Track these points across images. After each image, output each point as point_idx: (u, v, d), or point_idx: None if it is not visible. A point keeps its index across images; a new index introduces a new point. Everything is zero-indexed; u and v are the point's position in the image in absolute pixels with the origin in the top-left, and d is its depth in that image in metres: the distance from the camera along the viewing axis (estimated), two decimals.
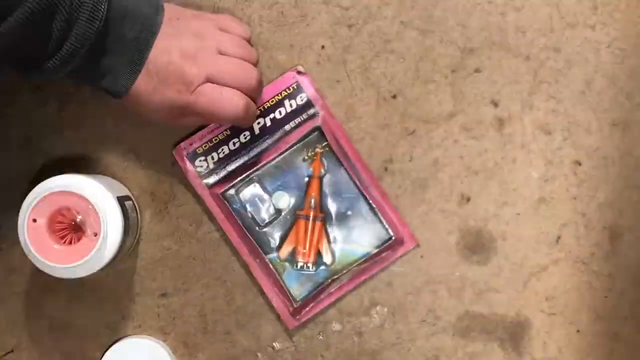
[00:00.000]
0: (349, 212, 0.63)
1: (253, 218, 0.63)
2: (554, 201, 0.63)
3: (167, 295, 0.64)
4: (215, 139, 0.62)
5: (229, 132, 0.62)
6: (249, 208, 0.63)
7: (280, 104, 0.62)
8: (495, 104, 0.63)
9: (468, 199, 0.63)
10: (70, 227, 0.56)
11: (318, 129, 0.63)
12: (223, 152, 0.63)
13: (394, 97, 0.63)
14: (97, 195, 0.56)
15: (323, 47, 0.63)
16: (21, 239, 0.55)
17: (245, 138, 0.63)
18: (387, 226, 0.63)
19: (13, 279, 0.64)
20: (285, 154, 0.63)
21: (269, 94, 0.62)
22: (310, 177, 0.63)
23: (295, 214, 0.63)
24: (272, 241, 0.63)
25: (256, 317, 0.64)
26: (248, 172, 0.63)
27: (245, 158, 0.63)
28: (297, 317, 0.62)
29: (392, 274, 0.63)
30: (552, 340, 0.64)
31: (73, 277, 0.56)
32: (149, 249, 0.63)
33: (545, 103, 0.63)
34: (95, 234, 0.55)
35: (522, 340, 0.64)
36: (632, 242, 0.63)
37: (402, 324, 0.64)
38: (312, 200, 0.63)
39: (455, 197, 0.63)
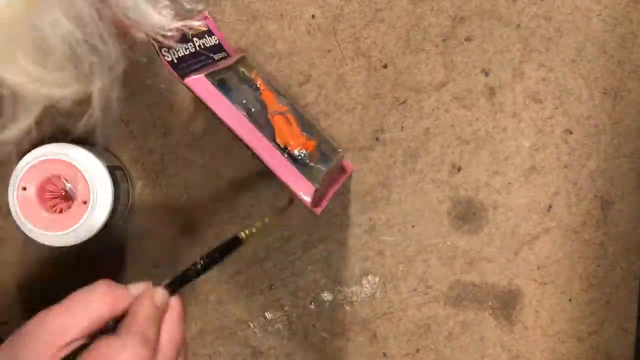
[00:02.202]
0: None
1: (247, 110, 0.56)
2: (545, 170, 0.63)
3: (160, 266, 0.64)
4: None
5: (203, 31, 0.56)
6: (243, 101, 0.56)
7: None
8: (486, 73, 0.63)
9: (459, 169, 0.63)
10: (60, 195, 0.56)
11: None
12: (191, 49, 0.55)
13: (385, 66, 0.63)
14: (86, 163, 0.56)
15: (313, 16, 0.63)
16: (11, 206, 0.55)
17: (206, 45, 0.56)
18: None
19: (4, 249, 0.64)
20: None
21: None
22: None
23: (271, 114, 0.56)
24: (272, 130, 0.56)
25: (248, 286, 0.64)
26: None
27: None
28: (320, 203, 0.56)
29: (383, 243, 0.64)
30: (543, 309, 0.64)
31: (63, 245, 0.56)
32: (141, 220, 0.64)
33: (536, 72, 0.63)
34: (85, 202, 0.55)
35: (514, 309, 0.64)
36: (623, 210, 0.63)
37: (393, 293, 0.64)
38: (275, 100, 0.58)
39: (446, 167, 0.63)
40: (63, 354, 0.42)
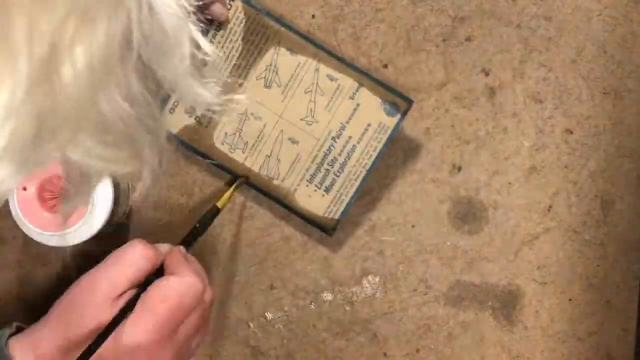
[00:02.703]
0: None
1: None
2: (545, 170, 0.63)
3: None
4: None
5: None
6: None
7: None
8: (486, 73, 0.63)
9: (459, 169, 0.63)
10: (61, 195, 0.56)
11: None
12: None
13: (385, 66, 0.63)
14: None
15: (313, 16, 0.63)
16: (11, 207, 0.56)
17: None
18: None
19: (4, 249, 0.64)
20: None
21: None
22: None
23: None
24: None
25: (248, 286, 0.64)
26: None
27: None
28: None
29: (383, 243, 0.64)
30: (544, 309, 0.64)
31: (63, 245, 0.56)
32: (140, 220, 0.64)
33: (536, 71, 0.63)
34: None
35: (514, 309, 0.64)
36: (624, 210, 0.63)
37: (393, 293, 0.64)
38: None
39: (446, 167, 0.63)
40: (121, 301, 0.50)
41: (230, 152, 0.61)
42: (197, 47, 0.34)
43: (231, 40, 0.60)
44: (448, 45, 0.63)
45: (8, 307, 0.64)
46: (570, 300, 0.64)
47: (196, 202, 0.63)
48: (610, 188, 0.63)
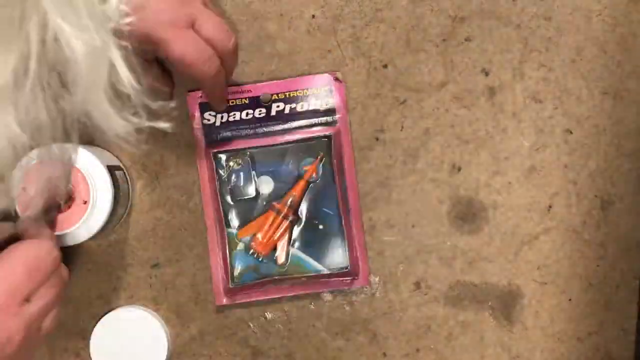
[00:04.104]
0: (320, 226, 0.63)
1: (232, 189, 0.62)
2: (545, 170, 0.63)
3: (159, 266, 0.64)
4: (232, 102, 0.62)
5: (247, 102, 0.62)
6: (232, 178, 0.63)
7: (305, 98, 0.62)
8: (486, 73, 0.63)
9: (459, 168, 0.63)
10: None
11: (329, 137, 0.63)
12: (233, 117, 0.62)
13: (385, 66, 0.63)
14: (86, 163, 0.56)
15: (313, 16, 0.63)
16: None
17: (259, 114, 0.62)
18: (348, 256, 0.63)
19: None
20: (288, 145, 0.63)
21: (299, 84, 0.62)
22: (299, 177, 0.63)
23: (270, 204, 0.62)
24: (238, 218, 0.63)
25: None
26: (247, 146, 0.63)
27: (250, 132, 0.63)
28: (228, 296, 0.63)
29: (383, 243, 0.64)
30: (543, 309, 0.64)
31: (63, 245, 0.56)
32: (141, 220, 0.64)
33: (536, 71, 0.63)
34: (85, 202, 0.55)
35: (514, 309, 0.64)
36: (624, 210, 0.63)
37: (393, 293, 0.64)
38: (291, 199, 0.62)
39: (446, 167, 0.63)
40: None
41: None
42: (118, 79, 0.33)
43: None
44: (448, 45, 0.63)
45: None
46: (570, 300, 0.64)
47: (196, 203, 0.63)
48: (610, 188, 0.63)
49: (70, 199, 0.56)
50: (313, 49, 0.63)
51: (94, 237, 0.58)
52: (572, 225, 0.63)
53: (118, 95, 0.34)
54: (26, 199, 0.55)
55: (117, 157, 0.63)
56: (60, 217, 0.56)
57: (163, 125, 0.41)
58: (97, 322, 0.62)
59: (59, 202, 0.55)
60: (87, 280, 0.64)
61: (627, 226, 0.63)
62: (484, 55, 0.63)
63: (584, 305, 0.64)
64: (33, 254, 0.46)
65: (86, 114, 0.34)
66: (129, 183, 0.63)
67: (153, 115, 0.38)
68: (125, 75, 0.33)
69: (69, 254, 0.62)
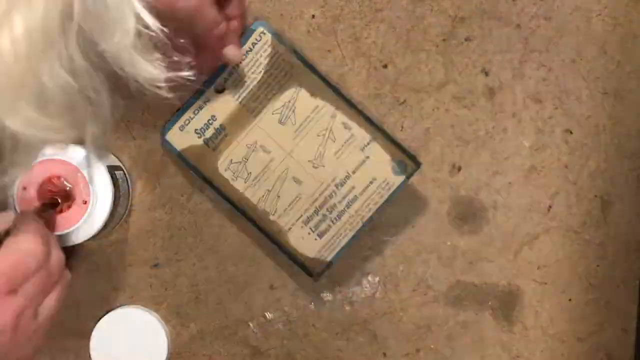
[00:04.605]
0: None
1: None
2: (545, 170, 0.63)
3: (159, 266, 0.64)
4: None
5: None
6: None
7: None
8: (486, 73, 0.63)
9: (459, 169, 0.63)
10: (60, 195, 0.56)
11: None
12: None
13: (385, 66, 0.63)
14: (86, 163, 0.56)
15: (313, 16, 0.63)
16: (11, 207, 0.56)
17: None
18: None
19: None
20: None
21: None
22: None
23: None
24: None
25: (248, 286, 0.64)
26: None
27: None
28: None
29: (383, 243, 0.63)
30: (543, 309, 0.64)
31: (63, 245, 0.56)
32: (141, 220, 0.64)
33: (536, 72, 0.63)
34: (85, 202, 0.55)
35: (514, 309, 0.64)
36: (623, 210, 0.63)
37: (393, 293, 0.64)
38: None
39: (446, 167, 0.63)
40: None
41: (232, 180, 0.61)
42: (143, 24, 0.34)
43: (254, 71, 0.60)
44: (448, 45, 0.63)
45: None
46: (570, 300, 0.64)
47: (196, 203, 0.63)
48: (610, 188, 0.63)
49: (70, 199, 0.56)
50: (313, 49, 0.63)
51: (94, 237, 0.58)
52: (572, 226, 0.63)
53: (144, 44, 0.36)
54: (26, 197, 0.55)
55: (117, 157, 0.63)
56: (60, 217, 0.56)
57: (186, 74, 0.42)
58: (97, 322, 0.62)
59: (56, 200, 0.55)
60: (87, 280, 0.64)
61: (627, 226, 0.63)
62: (484, 55, 0.63)
63: (584, 305, 0.64)
64: (21, 247, 0.47)
65: (115, 61, 0.35)
66: (129, 183, 0.63)
67: (175, 67, 0.39)
68: (150, 21, 0.34)
69: (69, 254, 0.62)
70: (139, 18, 0.34)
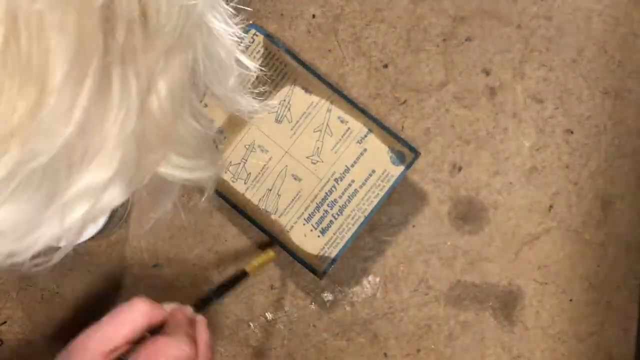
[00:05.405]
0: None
1: None
2: (545, 170, 0.63)
3: (159, 266, 0.64)
4: None
5: None
6: None
7: None
8: (487, 73, 0.63)
9: (460, 169, 0.63)
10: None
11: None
12: None
13: (385, 66, 0.63)
14: None
15: (314, 16, 0.63)
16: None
17: None
18: None
19: None
20: None
21: None
22: None
23: None
24: None
25: (248, 287, 0.64)
26: None
27: None
28: None
29: (383, 243, 0.63)
30: (544, 309, 0.64)
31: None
32: (141, 220, 0.63)
33: (536, 71, 0.63)
34: None
35: (515, 309, 0.64)
36: (624, 210, 0.63)
37: (394, 293, 0.64)
38: None
39: (446, 167, 0.63)
40: (113, 356, 0.50)
41: (232, 181, 0.61)
42: (242, 65, 0.38)
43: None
44: (448, 45, 0.63)
45: (6, 307, 0.64)
46: (570, 300, 0.64)
47: (196, 203, 0.63)
48: (611, 188, 0.63)
49: None
50: (313, 49, 0.63)
51: (94, 237, 0.57)
52: (572, 225, 0.63)
53: (241, 82, 0.40)
54: None
55: None
56: None
57: (272, 102, 0.53)
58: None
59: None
60: (87, 280, 0.64)
61: (628, 226, 0.63)
62: (485, 55, 0.63)
63: (585, 305, 0.64)
64: (161, 355, 0.50)
65: (223, 101, 0.39)
66: None
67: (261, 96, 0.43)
68: (249, 63, 0.39)
69: (69, 254, 0.62)
70: (240, 62, 0.39)
